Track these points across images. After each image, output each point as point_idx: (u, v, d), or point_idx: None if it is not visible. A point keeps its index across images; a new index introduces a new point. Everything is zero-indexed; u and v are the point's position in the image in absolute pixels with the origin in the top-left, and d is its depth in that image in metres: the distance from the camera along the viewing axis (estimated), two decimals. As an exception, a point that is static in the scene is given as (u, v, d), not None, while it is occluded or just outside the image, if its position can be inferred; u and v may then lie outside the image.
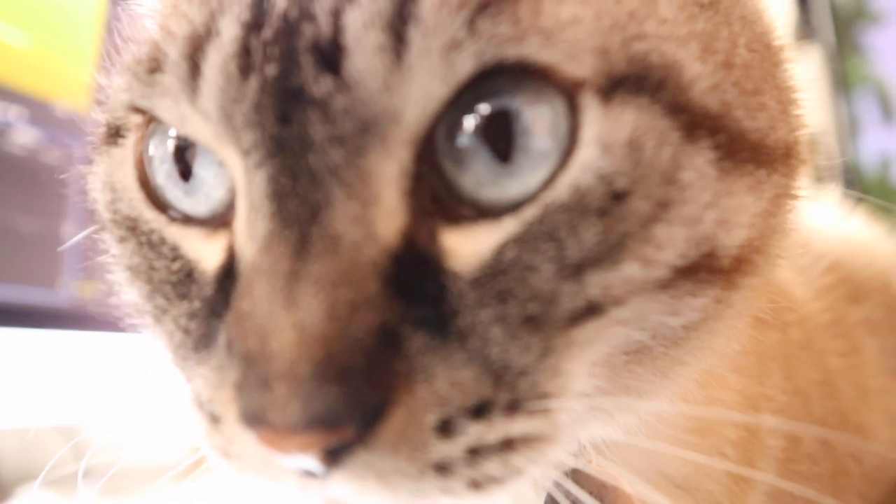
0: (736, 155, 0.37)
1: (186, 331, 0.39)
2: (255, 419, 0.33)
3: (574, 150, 0.35)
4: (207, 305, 0.38)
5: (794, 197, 0.43)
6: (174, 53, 0.37)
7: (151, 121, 0.40)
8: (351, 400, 0.32)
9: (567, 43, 0.34)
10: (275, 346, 0.32)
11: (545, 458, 0.37)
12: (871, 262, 0.83)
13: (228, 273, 0.37)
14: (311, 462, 0.33)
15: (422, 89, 0.34)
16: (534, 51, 0.34)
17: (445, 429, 0.34)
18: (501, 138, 0.34)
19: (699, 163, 0.36)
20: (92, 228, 0.49)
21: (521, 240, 0.35)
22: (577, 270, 0.35)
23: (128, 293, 0.44)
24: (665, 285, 0.36)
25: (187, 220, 0.40)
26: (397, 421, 0.33)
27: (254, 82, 0.34)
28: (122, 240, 0.43)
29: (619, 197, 0.35)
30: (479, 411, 0.34)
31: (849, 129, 2.69)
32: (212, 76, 0.35)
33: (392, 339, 0.34)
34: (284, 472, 0.35)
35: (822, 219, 0.86)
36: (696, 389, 0.44)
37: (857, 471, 0.62)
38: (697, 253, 0.36)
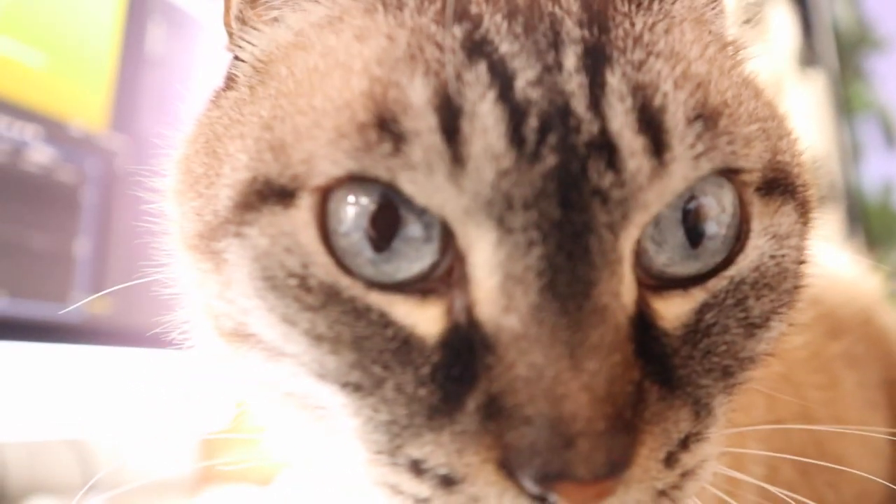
0: (806, 216, 0.48)
1: (414, 398, 0.40)
2: (557, 477, 0.36)
3: (748, 241, 0.43)
4: (440, 371, 0.40)
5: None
6: (421, 126, 0.38)
7: (331, 187, 0.40)
8: (630, 446, 0.37)
9: (747, 145, 0.42)
10: (570, 407, 0.36)
11: (709, 474, 0.43)
12: (853, 299, 0.85)
13: (454, 338, 0.40)
14: None
15: (670, 185, 0.40)
16: (740, 161, 0.42)
17: (669, 460, 0.40)
18: (695, 225, 0.42)
19: (805, 236, 0.48)
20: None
21: (712, 306, 0.42)
22: (753, 330, 0.44)
23: (307, 364, 0.42)
24: (784, 332, 0.47)
25: (382, 286, 0.41)
26: (643, 458, 0.38)
27: (538, 169, 0.38)
28: (311, 308, 0.41)
29: (781, 273, 0.45)
30: (685, 442, 0.40)
31: (851, 154, 2.70)
32: (484, 159, 0.38)
33: (641, 392, 0.39)
34: None
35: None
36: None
37: (834, 499, 0.64)
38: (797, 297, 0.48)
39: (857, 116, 2.75)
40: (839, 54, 2.74)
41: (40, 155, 1.04)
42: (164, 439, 1.28)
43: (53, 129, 1.06)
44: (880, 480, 0.72)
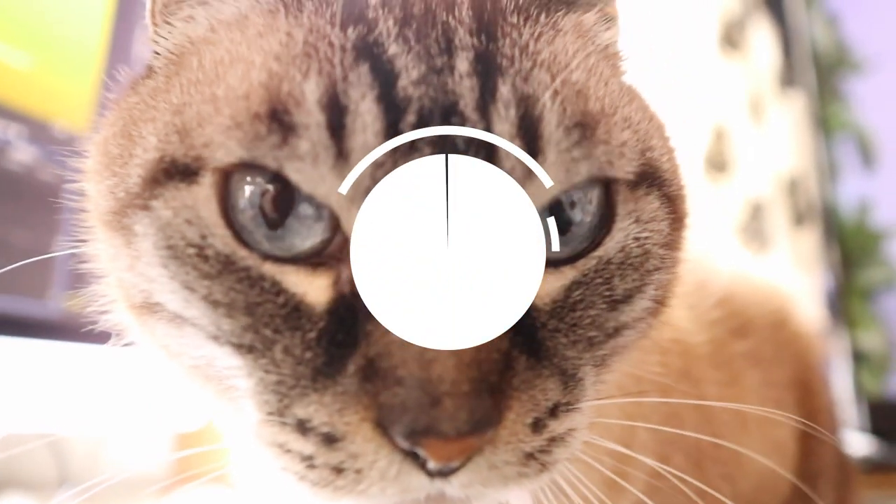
0: (675, 207, 0.52)
1: (301, 361, 0.43)
2: (423, 433, 0.40)
3: (614, 224, 0.47)
4: (325, 336, 0.43)
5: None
6: (310, 122, 0.42)
7: (234, 167, 0.43)
8: (494, 408, 0.41)
9: (622, 155, 0.46)
10: (437, 370, 0.40)
11: (579, 442, 0.47)
12: (767, 300, 0.88)
13: (340, 307, 0.43)
14: (455, 464, 0.41)
15: (543, 189, 0.43)
16: (614, 170, 0.46)
17: (537, 426, 0.43)
18: (564, 214, 0.45)
19: (674, 226, 0.51)
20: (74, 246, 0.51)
21: (581, 283, 0.46)
22: (617, 305, 0.47)
23: (205, 327, 0.45)
24: (651, 310, 0.50)
25: (276, 258, 0.44)
26: (510, 422, 0.42)
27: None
28: (208, 276, 0.44)
29: (644, 255, 0.48)
30: (553, 410, 0.44)
31: (828, 173, 2.74)
32: (363, 152, 0.41)
33: (508, 360, 0.42)
34: (411, 478, 0.42)
35: (730, 261, 0.90)
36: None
37: (729, 492, 0.66)
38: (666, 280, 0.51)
39: (834, 136, 2.78)
40: (818, 75, 2.78)
41: (23, 154, 1.05)
42: (139, 437, 1.29)
43: (37, 129, 1.07)
44: (782, 471, 0.74)
